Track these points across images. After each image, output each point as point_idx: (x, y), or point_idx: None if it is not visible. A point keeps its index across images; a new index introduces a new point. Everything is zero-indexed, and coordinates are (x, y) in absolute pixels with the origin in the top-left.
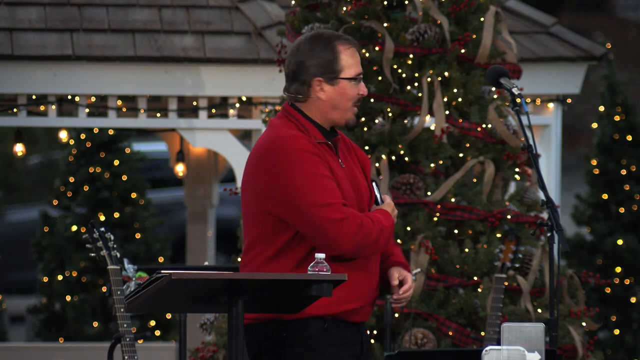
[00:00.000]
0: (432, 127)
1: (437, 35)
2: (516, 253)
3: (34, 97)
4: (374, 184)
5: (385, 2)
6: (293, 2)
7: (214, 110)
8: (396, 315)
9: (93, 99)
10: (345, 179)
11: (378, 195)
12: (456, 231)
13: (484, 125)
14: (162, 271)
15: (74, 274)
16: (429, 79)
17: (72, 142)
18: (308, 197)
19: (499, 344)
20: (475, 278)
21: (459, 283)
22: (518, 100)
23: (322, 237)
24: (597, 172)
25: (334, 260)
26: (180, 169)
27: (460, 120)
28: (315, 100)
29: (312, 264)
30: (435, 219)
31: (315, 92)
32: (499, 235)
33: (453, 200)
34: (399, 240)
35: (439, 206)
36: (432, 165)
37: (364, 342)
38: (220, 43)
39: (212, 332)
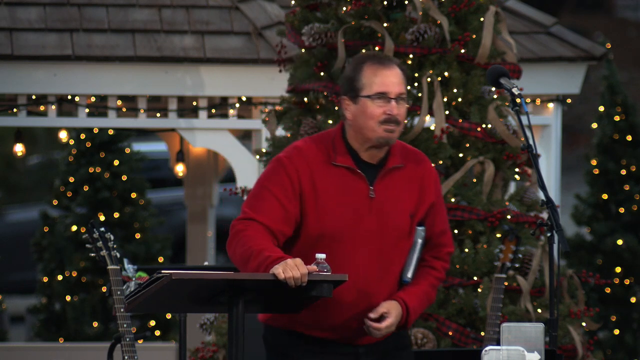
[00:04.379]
0: (432, 127)
1: (437, 35)
2: (516, 253)
3: (34, 97)
4: (420, 227)
5: (385, 2)
6: (293, 2)
7: (213, 110)
8: None
9: (93, 99)
10: (355, 207)
11: (418, 241)
12: (456, 231)
13: (484, 125)
14: (162, 271)
15: (74, 274)
16: (428, 79)
17: (72, 142)
18: (246, 200)
19: (498, 344)
20: (475, 278)
21: (459, 283)
22: (518, 100)
23: None
24: (597, 172)
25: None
26: (180, 169)
27: (460, 120)
28: (348, 120)
29: (312, 265)
30: None
31: (344, 111)
32: (499, 235)
33: (453, 200)
34: None
35: None
36: (432, 165)
37: (363, 355)
38: (220, 43)
39: (212, 332)
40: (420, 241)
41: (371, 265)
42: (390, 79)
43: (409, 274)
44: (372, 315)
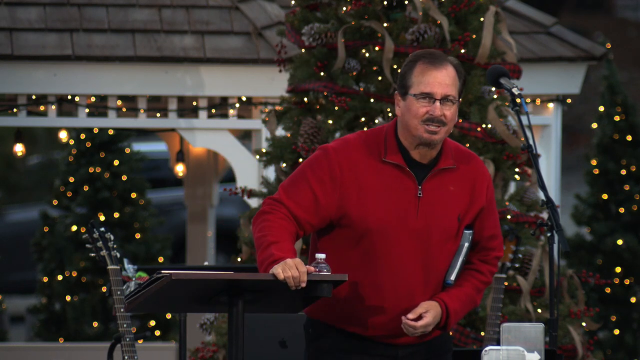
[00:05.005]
0: None
1: (437, 35)
2: (516, 253)
3: (34, 97)
4: (468, 231)
5: (385, 2)
6: (293, 2)
7: (213, 110)
8: None
9: (93, 99)
10: (401, 206)
11: (464, 245)
12: None
13: (484, 125)
14: (162, 271)
15: (74, 274)
16: None
17: (72, 142)
18: (285, 180)
19: (498, 344)
20: None
21: None
22: (518, 100)
23: None
24: (597, 172)
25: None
26: (180, 169)
27: (460, 120)
28: (398, 117)
29: (312, 264)
30: None
31: (395, 107)
32: None
33: None
34: None
35: None
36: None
37: (402, 359)
38: (220, 43)
39: (212, 332)
40: (466, 244)
41: (415, 264)
42: (438, 80)
43: (452, 277)
44: (410, 315)
